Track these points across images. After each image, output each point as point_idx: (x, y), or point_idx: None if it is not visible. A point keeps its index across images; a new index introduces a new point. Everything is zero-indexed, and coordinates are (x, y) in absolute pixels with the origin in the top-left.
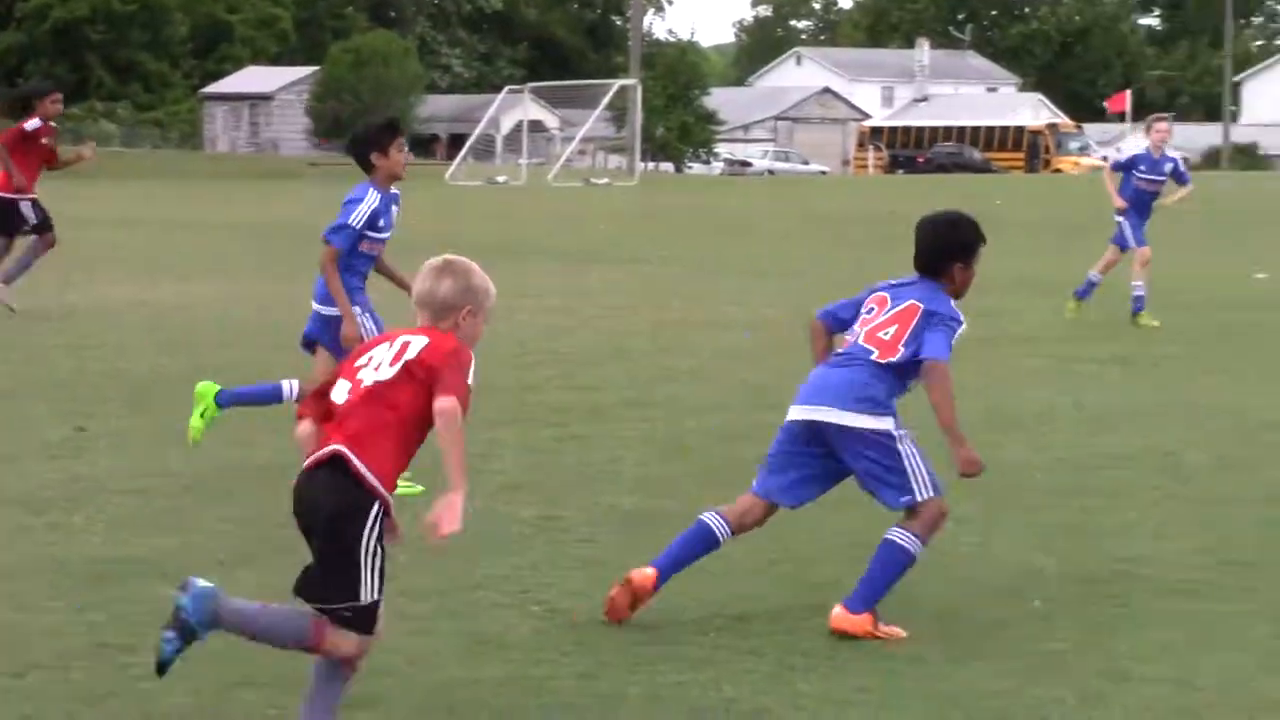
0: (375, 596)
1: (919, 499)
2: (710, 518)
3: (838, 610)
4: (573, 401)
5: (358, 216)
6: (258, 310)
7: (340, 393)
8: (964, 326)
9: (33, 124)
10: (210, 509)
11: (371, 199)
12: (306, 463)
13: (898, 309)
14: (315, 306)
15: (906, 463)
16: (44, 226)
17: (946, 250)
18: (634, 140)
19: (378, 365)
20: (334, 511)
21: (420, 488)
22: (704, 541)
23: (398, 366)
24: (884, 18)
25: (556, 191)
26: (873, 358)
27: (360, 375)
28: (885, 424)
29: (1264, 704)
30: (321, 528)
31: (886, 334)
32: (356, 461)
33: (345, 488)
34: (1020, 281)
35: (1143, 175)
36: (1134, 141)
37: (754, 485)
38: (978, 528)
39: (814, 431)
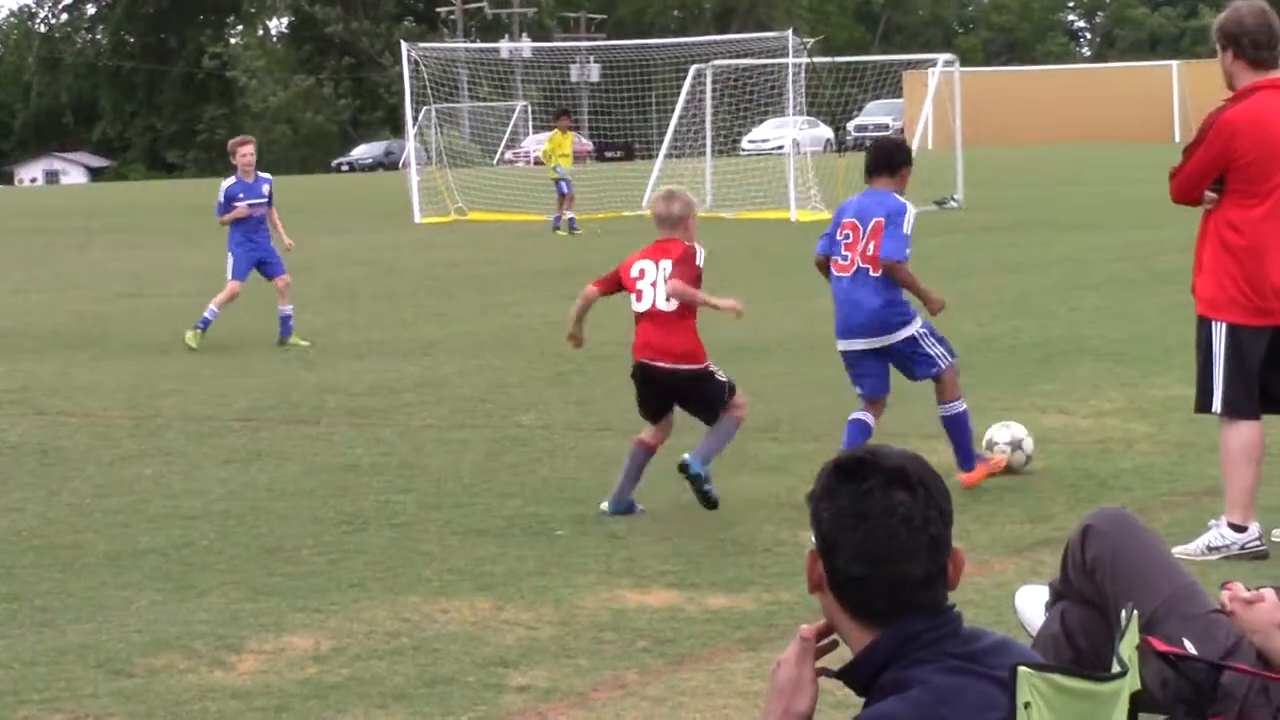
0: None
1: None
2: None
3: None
4: None
5: None
6: None
7: (641, 304)
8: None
9: None
10: None
11: None
12: (654, 362)
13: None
14: None
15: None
16: None
17: (902, 156)
18: None
19: (657, 287)
20: (697, 379)
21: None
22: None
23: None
24: None
25: None
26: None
27: (640, 287)
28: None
29: None
30: (693, 391)
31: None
32: (692, 365)
33: (695, 373)
34: None
35: (244, 201)
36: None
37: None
38: None
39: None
